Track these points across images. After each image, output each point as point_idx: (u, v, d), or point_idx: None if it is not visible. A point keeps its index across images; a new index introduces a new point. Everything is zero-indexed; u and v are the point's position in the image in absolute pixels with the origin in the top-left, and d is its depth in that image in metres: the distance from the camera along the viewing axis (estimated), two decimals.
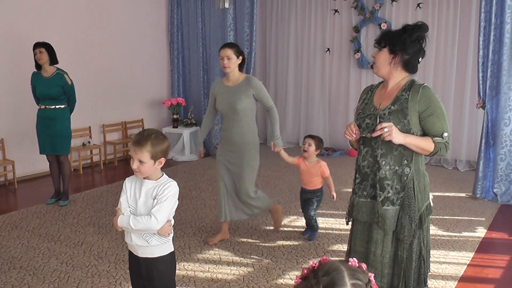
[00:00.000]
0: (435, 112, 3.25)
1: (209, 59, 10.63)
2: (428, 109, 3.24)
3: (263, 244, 5.71)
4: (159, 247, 3.22)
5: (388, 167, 3.31)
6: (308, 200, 5.86)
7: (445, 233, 6.05)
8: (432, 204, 3.50)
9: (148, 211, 3.13)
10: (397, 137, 3.15)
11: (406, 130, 3.22)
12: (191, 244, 5.66)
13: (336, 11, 10.55)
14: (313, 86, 11.10)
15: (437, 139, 3.24)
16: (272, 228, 6.18)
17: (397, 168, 3.30)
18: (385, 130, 3.12)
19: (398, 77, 3.37)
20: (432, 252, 4.71)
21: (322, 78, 10.98)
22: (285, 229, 6.18)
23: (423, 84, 3.33)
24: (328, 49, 10.77)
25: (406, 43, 3.27)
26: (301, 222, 6.38)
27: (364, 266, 1.70)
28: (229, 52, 5.36)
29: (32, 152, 8.22)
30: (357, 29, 10.23)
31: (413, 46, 3.30)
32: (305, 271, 1.68)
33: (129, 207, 3.21)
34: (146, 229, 3.10)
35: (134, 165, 3.06)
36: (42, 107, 6.94)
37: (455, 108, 9.25)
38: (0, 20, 7.98)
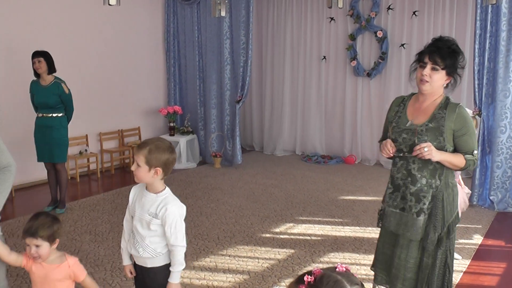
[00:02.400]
0: (468, 131, 3.40)
1: (205, 67, 10.64)
2: (462, 129, 3.38)
3: (259, 251, 5.72)
4: (150, 259, 3.21)
5: (424, 180, 3.43)
6: None
7: None
8: (460, 214, 3.68)
9: (142, 224, 3.17)
10: (435, 155, 3.30)
11: (441, 147, 3.36)
12: (188, 251, 5.63)
13: (332, 19, 10.58)
14: (309, 94, 11.11)
15: (468, 156, 3.41)
16: (268, 235, 6.19)
17: (431, 180, 3.43)
18: (425, 150, 3.27)
19: (438, 94, 3.49)
20: None
21: (318, 86, 11.00)
22: (281, 236, 6.18)
23: (459, 103, 3.45)
24: (324, 57, 10.79)
25: (461, 65, 3.44)
26: (298, 229, 6.40)
27: (349, 268, 1.72)
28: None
29: (29, 160, 8.20)
30: (353, 37, 10.25)
31: (462, 68, 3.45)
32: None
33: (130, 214, 3.28)
34: (182, 256, 3.23)
35: (133, 167, 3.11)
36: (40, 115, 6.97)
37: None
38: (2, 27, 8.01)
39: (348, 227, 6.54)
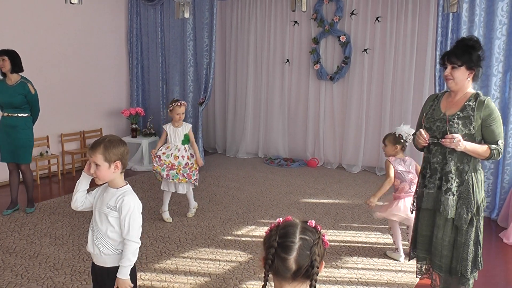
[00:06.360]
0: (495, 122, 3.84)
1: (168, 69, 10.61)
2: (489, 119, 3.82)
3: (221, 253, 5.72)
4: (110, 257, 3.22)
5: (453, 163, 3.90)
6: None
7: None
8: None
9: (101, 218, 3.19)
10: (461, 146, 3.74)
11: (470, 134, 3.82)
12: (148, 254, 5.64)
13: (295, 22, 10.63)
14: (273, 97, 11.14)
15: (493, 146, 3.83)
16: (230, 237, 6.20)
17: (459, 164, 3.90)
18: (454, 141, 3.71)
19: (467, 88, 3.95)
20: None
21: (282, 89, 11.04)
22: (243, 239, 6.20)
23: (487, 97, 3.92)
24: (288, 60, 10.84)
25: (480, 59, 3.87)
26: (259, 231, 6.42)
27: (319, 227, 2.05)
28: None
29: None
30: (316, 41, 10.32)
31: (482, 60, 3.92)
32: (272, 225, 2.06)
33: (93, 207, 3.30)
34: (135, 253, 3.19)
35: (92, 169, 3.12)
36: (5, 114, 6.88)
37: (413, 122, 9.28)
38: None
39: None
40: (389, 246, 5.85)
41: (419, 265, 4.32)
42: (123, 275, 3.18)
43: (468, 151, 3.80)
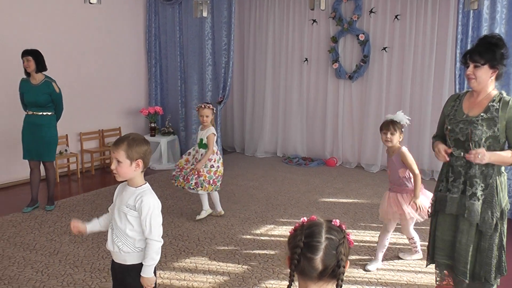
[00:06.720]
0: None
1: (186, 68, 10.62)
2: None
3: (240, 252, 5.71)
4: (129, 255, 3.23)
5: (477, 167, 3.75)
6: None
7: None
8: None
9: (120, 216, 3.20)
10: (486, 159, 3.60)
11: (495, 136, 3.70)
12: (168, 252, 5.64)
13: (314, 21, 10.60)
14: (291, 96, 11.12)
15: None
16: (249, 237, 6.19)
17: (483, 168, 3.75)
18: (479, 156, 3.56)
19: (490, 88, 3.80)
20: None
21: (300, 88, 11.01)
22: (262, 238, 6.19)
23: (511, 97, 3.77)
24: (306, 59, 10.81)
25: (503, 57, 3.72)
26: (278, 231, 6.41)
27: (344, 226, 2.03)
28: None
29: (8, 160, 8.17)
30: (335, 40, 10.28)
31: (506, 58, 3.76)
32: (297, 225, 2.05)
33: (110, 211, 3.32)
34: (158, 252, 3.22)
35: (113, 165, 3.13)
36: (30, 113, 6.96)
37: (432, 122, 9.25)
38: None
39: None
40: (408, 247, 5.80)
41: (437, 271, 4.20)
42: (147, 273, 3.20)
43: (494, 161, 3.67)
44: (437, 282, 4.24)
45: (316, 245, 1.91)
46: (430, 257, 4.19)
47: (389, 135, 5.09)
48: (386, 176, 9.51)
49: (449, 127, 3.92)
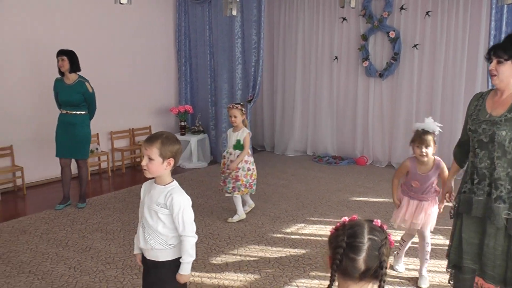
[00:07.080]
0: None
1: (216, 66, 10.64)
2: None
3: (270, 251, 5.70)
4: (162, 251, 3.24)
5: (502, 169, 3.53)
6: None
7: None
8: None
9: (151, 215, 3.21)
10: None
11: None
12: (198, 250, 5.63)
13: (344, 19, 10.54)
14: (321, 94, 11.08)
15: None
16: (279, 235, 6.17)
17: (509, 170, 3.53)
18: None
19: None
20: None
21: (330, 86, 10.96)
22: (293, 237, 6.17)
23: None
24: (336, 57, 10.76)
25: None
26: (309, 230, 6.38)
27: (385, 226, 2.02)
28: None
29: (41, 158, 8.26)
30: (365, 37, 10.21)
31: None
32: (338, 224, 2.05)
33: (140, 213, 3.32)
34: (194, 248, 3.30)
35: (144, 161, 3.13)
36: (64, 112, 7.07)
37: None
38: (20, 27, 8.12)
39: None
40: (441, 248, 5.72)
41: (449, 270, 4.04)
42: (186, 270, 3.25)
43: None
44: (450, 282, 4.13)
45: (359, 245, 1.91)
46: (453, 260, 3.94)
47: (423, 149, 4.64)
48: None
49: (471, 128, 3.71)
